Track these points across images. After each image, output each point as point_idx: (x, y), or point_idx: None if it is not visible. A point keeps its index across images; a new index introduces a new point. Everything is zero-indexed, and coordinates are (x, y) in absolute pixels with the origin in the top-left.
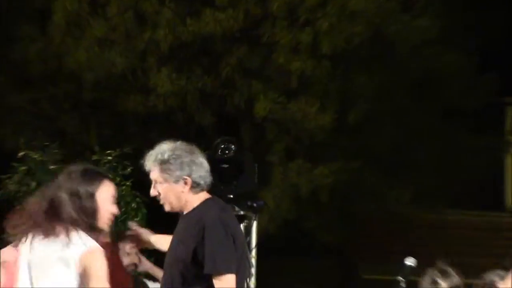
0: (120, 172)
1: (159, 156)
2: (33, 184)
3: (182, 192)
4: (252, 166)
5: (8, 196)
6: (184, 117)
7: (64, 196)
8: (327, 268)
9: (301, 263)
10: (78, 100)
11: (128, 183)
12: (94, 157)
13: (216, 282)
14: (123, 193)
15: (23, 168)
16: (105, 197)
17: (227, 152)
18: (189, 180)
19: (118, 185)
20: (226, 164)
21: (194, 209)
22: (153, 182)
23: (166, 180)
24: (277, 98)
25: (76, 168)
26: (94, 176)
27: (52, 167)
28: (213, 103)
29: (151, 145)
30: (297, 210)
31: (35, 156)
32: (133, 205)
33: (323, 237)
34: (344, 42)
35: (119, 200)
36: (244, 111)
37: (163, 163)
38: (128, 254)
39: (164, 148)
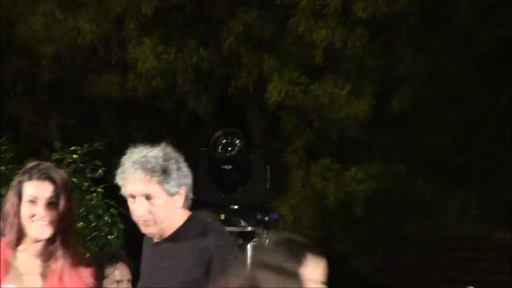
0: (89, 175)
1: (152, 164)
2: None
3: (176, 208)
4: (263, 167)
5: None
6: (173, 103)
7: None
8: None
9: None
10: (33, 81)
11: (99, 189)
12: (55, 156)
13: None
14: (93, 203)
15: None
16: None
17: (230, 149)
18: (184, 192)
19: (86, 192)
20: (229, 164)
21: (178, 231)
22: (142, 197)
23: (163, 194)
24: (296, 78)
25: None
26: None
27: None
28: (212, 85)
29: (128, 139)
30: (323, 226)
31: None
32: (106, 218)
33: (356, 263)
34: (385, 4)
35: (88, 212)
36: (252, 95)
37: (160, 172)
38: (117, 282)
39: (155, 154)
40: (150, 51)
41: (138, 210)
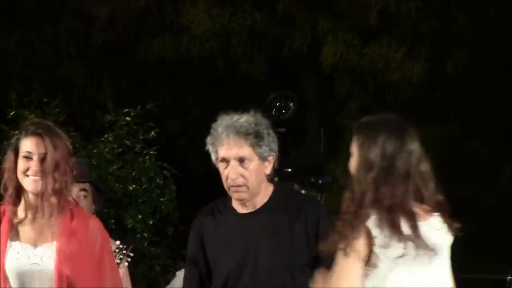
0: (142, 137)
1: (245, 128)
2: None
3: (265, 175)
4: (317, 130)
5: None
6: (227, 65)
7: None
8: None
9: None
10: (87, 43)
11: (152, 152)
12: (108, 118)
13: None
14: (146, 165)
15: (15, 132)
16: None
17: (284, 111)
18: (273, 160)
19: (138, 154)
20: (283, 127)
21: (274, 201)
22: (235, 161)
23: (255, 157)
24: (350, 40)
25: None
26: None
27: None
28: (266, 47)
29: (181, 101)
30: None
31: (31, 116)
32: (158, 180)
33: None
34: None
35: (140, 175)
36: (307, 58)
37: (253, 135)
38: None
39: (246, 119)
40: (204, 13)
41: (232, 173)
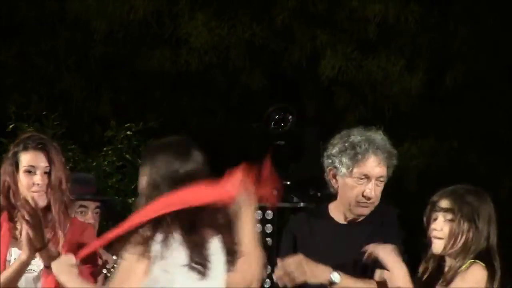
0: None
1: (388, 148)
2: None
3: None
4: (316, 143)
5: None
6: (226, 78)
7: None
8: None
9: None
10: (86, 56)
11: None
12: (109, 133)
13: None
14: None
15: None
16: None
17: (283, 124)
18: None
19: (138, 168)
20: (282, 140)
21: (370, 216)
22: (376, 180)
23: (386, 178)
24: (349, 53)
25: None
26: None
27: None
28: (265, 60)
29: (180, 114)
30: None
31: (29, 129)
32: None
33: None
34: None
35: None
36: (305, 71)
37: (390, 157)
38: None
39: (384, 138)
40: (203, 26)
41: (371, 192)
